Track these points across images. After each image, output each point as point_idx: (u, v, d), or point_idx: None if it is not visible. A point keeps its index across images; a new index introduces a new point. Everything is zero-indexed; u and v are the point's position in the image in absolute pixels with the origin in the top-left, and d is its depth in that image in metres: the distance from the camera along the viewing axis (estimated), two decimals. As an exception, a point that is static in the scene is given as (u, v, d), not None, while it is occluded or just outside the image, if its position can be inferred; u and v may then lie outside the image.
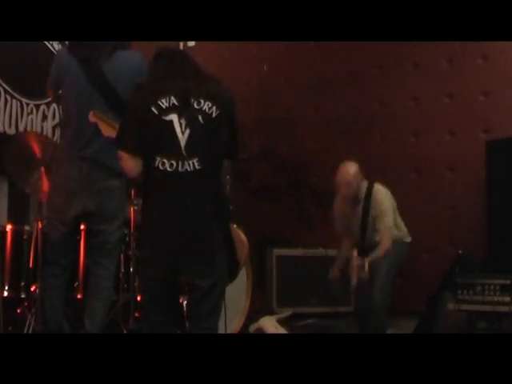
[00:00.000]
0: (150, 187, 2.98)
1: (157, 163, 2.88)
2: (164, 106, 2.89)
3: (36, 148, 4.16)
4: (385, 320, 4.77)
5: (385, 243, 4.69)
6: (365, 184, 4.84)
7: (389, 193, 4.87)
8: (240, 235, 3.13)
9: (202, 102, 2.89)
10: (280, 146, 7.20)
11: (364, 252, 4.71)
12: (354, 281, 4.65)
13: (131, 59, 3.75)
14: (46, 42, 5.08)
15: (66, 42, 4.04)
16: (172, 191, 2.90)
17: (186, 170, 2.86)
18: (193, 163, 2.86)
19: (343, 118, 6.83)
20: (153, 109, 2.89)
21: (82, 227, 4.19)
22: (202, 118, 2.88)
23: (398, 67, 6.61)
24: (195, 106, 2.89)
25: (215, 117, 2.89)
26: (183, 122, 2.88)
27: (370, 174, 4.96)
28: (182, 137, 2.87)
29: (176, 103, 2.89)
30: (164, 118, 2.89)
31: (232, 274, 3.09)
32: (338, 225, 5.05)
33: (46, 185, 4.01)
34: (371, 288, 4.66)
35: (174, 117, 2.88)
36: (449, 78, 6.31)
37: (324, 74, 7.05)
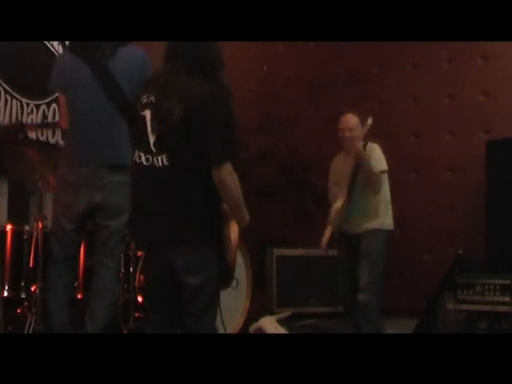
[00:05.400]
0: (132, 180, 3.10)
1: (136, 157, 2.96)
2: (143, 102, 2.96)
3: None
4: (375, 318, 4.66)
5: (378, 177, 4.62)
6: (361, 143, 4.76)
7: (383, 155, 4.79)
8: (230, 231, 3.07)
9: (170, 101, 2.87)
10: (280, 146, 7.20)
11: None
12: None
13: (133, 56, 3.73)
14: (45, 42, 5.07)
15: (67, 44, 4.02)
16: (148, 184, 2.93)
17: (156, 164, 2.88)
18: (161, 159, 2.88)
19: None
20: (138, 105, 2.99)
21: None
22: (169, 117, 2.86)
23: (398, 67, 6.60)
24: (166, 103, 2.88)
25: (177, 118, 2.84)
26: (155, 118, 2.91)
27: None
28: (152, 133, 2.90)
29: (153, 100, 2.93)
30: (142, 113, 2.96)
31: (224, 278, 3.03)
32: (331, 189, 4.96)
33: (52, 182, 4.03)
34: (359, 278, 4.60)
35: (147, 113, 2.93)
36: (449, 78, 6.31)
37: (324, 73, 7.04)
